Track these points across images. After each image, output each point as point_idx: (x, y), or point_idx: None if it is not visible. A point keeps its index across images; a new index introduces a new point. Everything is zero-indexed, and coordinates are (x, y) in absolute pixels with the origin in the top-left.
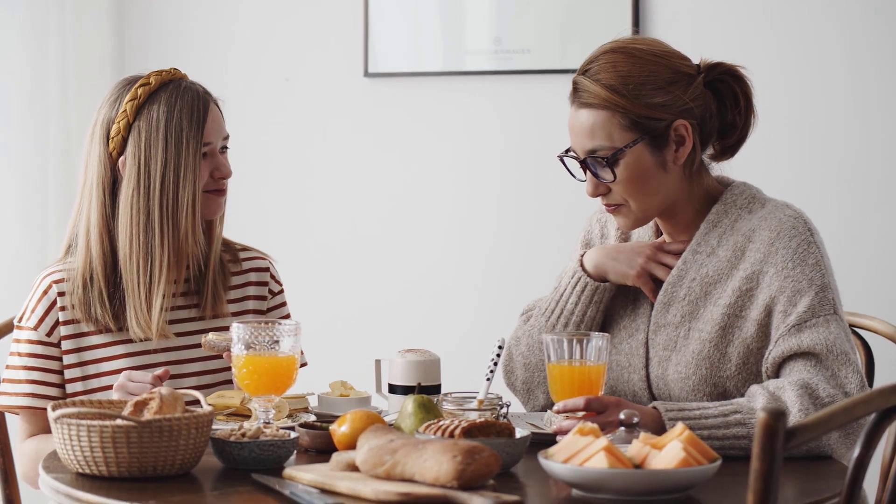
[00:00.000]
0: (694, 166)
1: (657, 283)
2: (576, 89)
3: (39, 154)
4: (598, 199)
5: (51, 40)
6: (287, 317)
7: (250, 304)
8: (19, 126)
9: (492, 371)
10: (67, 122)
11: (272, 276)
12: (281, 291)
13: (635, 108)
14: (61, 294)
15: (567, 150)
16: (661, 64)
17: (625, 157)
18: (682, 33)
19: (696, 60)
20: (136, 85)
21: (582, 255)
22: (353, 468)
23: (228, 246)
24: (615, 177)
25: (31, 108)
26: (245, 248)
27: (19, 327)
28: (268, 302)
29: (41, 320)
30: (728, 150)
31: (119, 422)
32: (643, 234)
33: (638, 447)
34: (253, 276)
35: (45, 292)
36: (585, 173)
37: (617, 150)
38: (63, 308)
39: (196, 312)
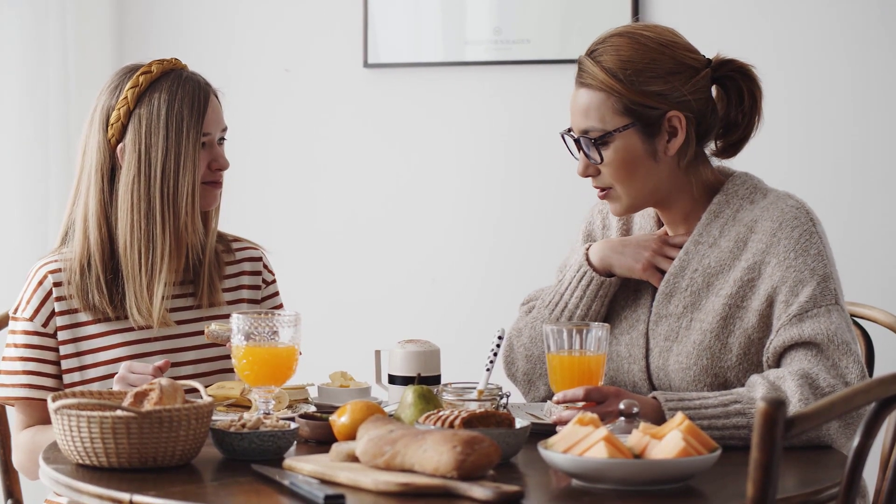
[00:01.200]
0: (686, 159)
1: (664, 275)
2: (579, 69)
3: (40, 147)
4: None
5: (51, 31)
6: (280, 307)
7: (244, 294)
8: (20, 118)
9: (492, 361)
10: (68, 115)
11: (265, 266)
12: (274, 281)
13: (630, 93)
14: (57, 284)
15: (570, 129)
16: (665, 53)
17: (615, 141)
18: (680, 24)
19: (708, 53)
20: (138, 73)
21: (587, 249)
22: (353, 459)
23: (221, 237)
24: (602, 158)
25: (31, 101)
26: (237, 239)
27: (14, 318)
28: (262, 292)
29: (37, 311)
30: (730, 147)
31: (119, 413)
32: (644, 225)
33: (638, 437)
34: (247, 266)
35: (41, 283)
36: (579, 152)
37: (606, 133)
38: (59, 298)
39: (192, 301)
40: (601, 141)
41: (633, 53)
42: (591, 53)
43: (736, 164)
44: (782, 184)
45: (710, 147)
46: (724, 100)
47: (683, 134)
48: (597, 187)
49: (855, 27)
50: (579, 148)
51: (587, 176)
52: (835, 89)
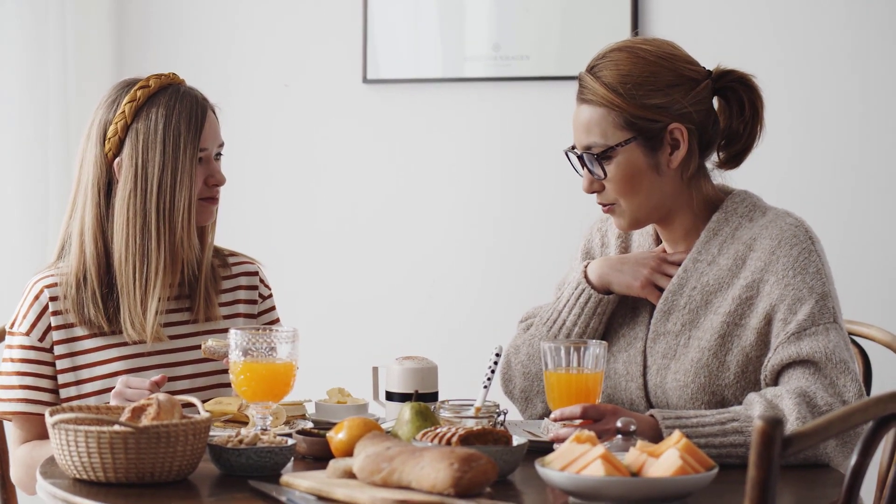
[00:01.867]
0: (689, 171)
1: (662, 293)
2: (580, 85)
3: (39, 157)
4: (599, 208)
5: (51, 45)
6: (276, 321)
7: (241, 308)
8: (19, 129)
9: (489, 379)
10: (67, 126)
11: (261, 281)
12: (270, 296)
13: (630, 107)
14: (53, 299)
15: (573, 146)
16: (664, 66)
17: (617, 156)
18: (680, 40)
19: (708, 66)
20: (136, 87)
21: (585, 267)
22: (350, 475)
23: (217, 251)
24: (605, 174)
25: (30, 110)
26: (233, 254)
27: (11, 333)
28: (258, 306)
29: (33, 325)
30: (733, 158)
31: (117, 428)
32: (643, 243)
33: (635, 455)
34: (243, 281)
35: (37, 297)
36: (583, 169)
37: (609, 148)
38: (55, 313)
39: (188, 316)
40: (604, 156)
41: (632, 67)
42: (591, 69)
43: (735, 179)
44: (780, 198)
45: (714, 159)
46: (725, 111)
47: (686, 146)
48: (601, 203)
49: (856, 37)
50: (583, 164)
51: (592, 192)
52: (834, 102)
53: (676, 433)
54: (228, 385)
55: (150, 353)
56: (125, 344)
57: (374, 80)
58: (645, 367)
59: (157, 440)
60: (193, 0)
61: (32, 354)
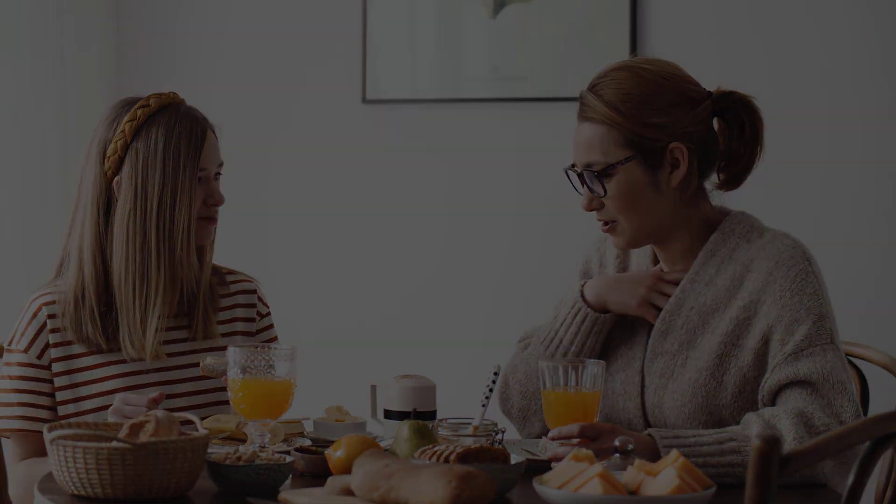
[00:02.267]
0: (689, 191)
1: (659, 312)
2: (581, 103)
3: (38, 174)
4: (598, 228)
5: (50, 62)
6: (274, 339)
7: (239, 326)
8: (18, 145)
9: (487, 397)
10: (66, 144)
11: (259, 299)
12: (268, 314)
13: (632, 126)
14: (51, 316)
15: (573, 164)
16: (666, 86)
17: (617, 174)
18: (678, 61)
19: (707, 87)
20: (136, 106)
21: (582, 286)
22: (349, 493)
23: (215, 269)
24: (605, 191)
25: (29, 127)
26: (231, 272)
27: (9, 350)
28: (256, 324)
29: (31, 343)
30: (733, 179)
31: (115, 444)
32: (641, 262)
33: (632, 474)
34: (241, 299)
35: (35, 315)
36: (583, 186)
37: (609, 166)
38: (53, 330)
39: (187, 334)
40: (604, 174)
41: (633, 86)
42: (592, 87)
43: (732, 200)
44: (775, 219)
45: (714, 180)
46: (725, 132)
47: (686, 165)
48: (601, 220)
49: (855, 57)
50: (583, 182)
51: (591, 210)
52: (829, 126)
53: (674, 452)
54: (227, 402)
55: (148, 371)
56: (123, 361)
57: (374, 100)
58: (643, 386)
59: (156, 457)
60: (194, 19)
61: (31, 372)
